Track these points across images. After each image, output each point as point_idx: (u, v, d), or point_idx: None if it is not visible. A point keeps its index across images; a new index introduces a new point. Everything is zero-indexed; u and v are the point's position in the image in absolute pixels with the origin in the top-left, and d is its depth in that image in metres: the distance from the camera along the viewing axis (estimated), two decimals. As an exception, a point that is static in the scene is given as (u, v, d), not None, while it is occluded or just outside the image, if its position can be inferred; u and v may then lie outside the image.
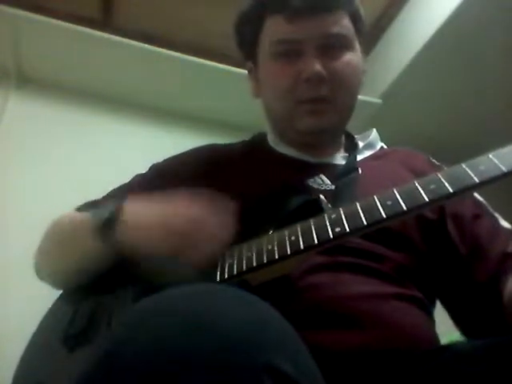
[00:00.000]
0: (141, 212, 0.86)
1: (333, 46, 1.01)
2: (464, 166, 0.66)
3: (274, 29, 1.03)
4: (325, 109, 1.01)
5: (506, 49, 2.10)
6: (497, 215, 0.98)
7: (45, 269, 1.00)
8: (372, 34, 2.37)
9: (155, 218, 0.84)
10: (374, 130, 1.14)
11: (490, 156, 0.65)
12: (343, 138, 1.13)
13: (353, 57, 1.03)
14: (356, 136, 1.13)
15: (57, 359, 0.80)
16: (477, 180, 0.63)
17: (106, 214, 0.85)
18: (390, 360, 0.75)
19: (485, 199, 1.01)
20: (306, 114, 1.02)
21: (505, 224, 0.97)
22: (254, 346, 0.50)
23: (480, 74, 2.23)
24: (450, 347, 0.76)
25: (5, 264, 1.77)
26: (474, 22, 2.03)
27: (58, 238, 0.99)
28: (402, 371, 0.73)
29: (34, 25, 2.03)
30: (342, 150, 1.10)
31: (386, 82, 2.33)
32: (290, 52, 1.01)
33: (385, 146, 1.14)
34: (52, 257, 0.98)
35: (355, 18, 1.05)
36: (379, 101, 2.35)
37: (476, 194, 1.01)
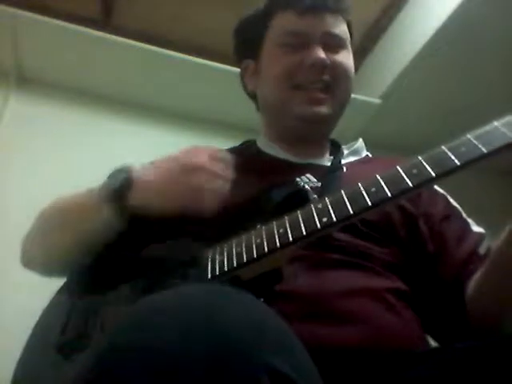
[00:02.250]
0: (147, 171, 0.91)
1: (334, 44, 1.09)
2: (445, 148, 0.66)
3: (285, 22, 1.10)
4: (323, 98, 1.07)
5: (505, 49, 2.10)
6: (469, 220, 1.01)
7: (38, 254, 0.99)
8: (372, 34, 2.37)
9: (161, 168, 0.89)
10: (361, 139, 1.20)
11: (470, 137, 0.65)
12: (329, 143, 1.18)
13: (349, 57, 1.12)
14: (343, 146, 1.17)
15: (52, 366, 0.80)
16: (458, 162, 0.63)
17: (115, 182, 0.89)
18: (380, 356, 0.76)
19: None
20: (305, 101, 1.06)
21: (476, 229, 0.99)
22: (252, 346, 0.50)
23: (480, 74, 2.22)
24: (443, 349, 0.76)
25: (4, 264, 1.76)
26: (474, 22, 2.03)
27: (56, 217, 0.99)
28: (392, 369, 0.73)
29: (33, 25, 2.03)
30: (327, 154, 1.14)
31: (385, 82, 2.32)
32: (297, 44, 1.08)
33: (370, 155, 1.18)
34: (49, 238, 0.97)
35: (350, 30, 1.15)
36: (379, 101, 2.34)
37: (450, 199, 1.05)
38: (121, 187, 0.88)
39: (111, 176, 0.92)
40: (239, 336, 0.50)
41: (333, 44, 1.09)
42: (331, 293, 0.81)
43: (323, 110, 1.07)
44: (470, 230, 0.98)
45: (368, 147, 1.22)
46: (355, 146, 1.16)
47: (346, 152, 1.14)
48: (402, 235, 0.95)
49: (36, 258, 1.00)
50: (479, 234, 0.98)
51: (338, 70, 1.08)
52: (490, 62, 2.16)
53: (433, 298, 0.93)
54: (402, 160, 1.10)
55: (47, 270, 1.00)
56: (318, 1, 1.08)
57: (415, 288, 0.93)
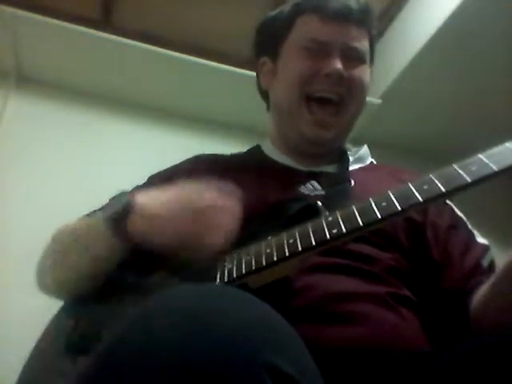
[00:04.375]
0: (152, 199, 0.87)
1: (354, 57, 1.08)
2: (455, 166, 0.67)
3: (308, 27, 1.10)
4: (330, 123, 1.07)
5: (506, 49, 2.10)
6: (474, 231, 1.01)
7: (51, 281, 0.99)
8: (372, 35, 2.37)
9: (167, 198, 0.85)
10: (365, 145, 1.20)
11: (481, 156, 0.66)
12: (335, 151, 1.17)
13: (366, 72, 1.12)
14: (348, 152, 1.17)
15: (58, 369, 0.80)
16: (469, 179, 0.64)
17: (117, 207, 0.86)
18: (383, 357, 0.76)
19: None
20: (312, 122, 1.06)
21: (481, 240, 1.00)
22: (254, 345, 0.50)
23: (480, 74, 2.22)
24: (447, 349, 0.77)
25: (5, 268, 1.76)
26: (473, 22, 2.03)
27: (64, 245, 0.98)
28: (394, 369, 0.74)
29: (33, 25, 2.02)
30: (333, 162, 1.14)
31: (386, 82, 2.33)
32: (316, 50, 1.07)
33: (374, 162, 1.18)
34: (60, 266, 0.97)
35: (372, 46, 1.14)
36: (379, 101, 2.34)
37: (456, 210, 1.05)
38: (122, 211, 0.85)
39: (114, 199, 0.90)
40: (241, 335, 0.50)
41: (352, 57, 1.08)
42: (334, 295, 0.82)
43: (328, 135, 1.08)
44: (475, 241, 0.99)
45: (368, 147, 1.22)
46: (360, 153, 1.17)
47: (351, 159, 1.13)
48: (404, 242, 0.95)
49: (48, 286, 1.00)
50: (483, 245, 0.98)
51: (353, 83, 1.08)
52: (490, 62, 2.16)
53: (435, 306, 0.94)
54: (405, 169, 1.13)
55: (63, 294, 0.99)
56: (344, 10, 1.07)
57: (418, 296, 0.93)
